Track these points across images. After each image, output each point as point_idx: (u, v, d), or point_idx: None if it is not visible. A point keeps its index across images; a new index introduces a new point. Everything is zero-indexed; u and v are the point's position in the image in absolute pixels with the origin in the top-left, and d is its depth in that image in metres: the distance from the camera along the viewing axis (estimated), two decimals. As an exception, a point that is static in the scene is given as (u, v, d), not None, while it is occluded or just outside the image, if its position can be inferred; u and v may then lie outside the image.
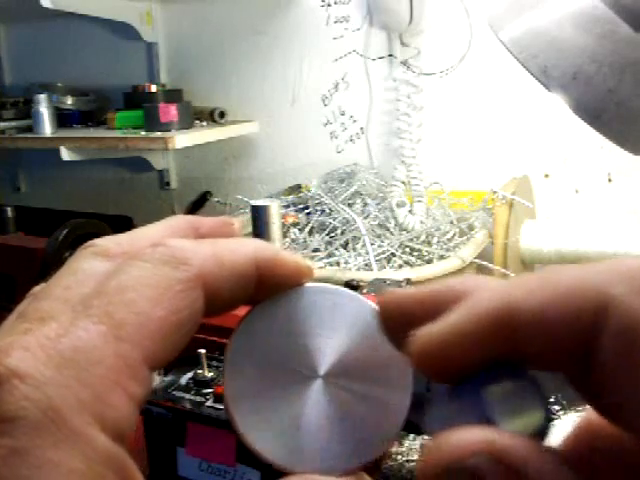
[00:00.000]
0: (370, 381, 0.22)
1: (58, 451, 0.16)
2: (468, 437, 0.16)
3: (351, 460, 0.22)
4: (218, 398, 0.59)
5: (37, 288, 0.20)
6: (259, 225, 0.47)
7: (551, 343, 0.17)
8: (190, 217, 0.23)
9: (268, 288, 0.22)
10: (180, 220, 0.23)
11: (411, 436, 0.74)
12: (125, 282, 0.18)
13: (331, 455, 0.22)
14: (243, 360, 0.22)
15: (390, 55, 1.39)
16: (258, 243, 0.22)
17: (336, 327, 0.23)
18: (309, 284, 0.23)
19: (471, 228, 1.18)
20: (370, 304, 0.23)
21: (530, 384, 0.18)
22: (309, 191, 1.35)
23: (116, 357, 0.17)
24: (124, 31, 1.67)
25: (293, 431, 0.22)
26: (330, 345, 0.23)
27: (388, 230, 1.20)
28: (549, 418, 0.18)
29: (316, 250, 1.15)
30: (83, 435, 0.16)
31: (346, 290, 0.23)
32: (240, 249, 0.21)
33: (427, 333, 0.18)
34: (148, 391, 0.18)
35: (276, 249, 0.22)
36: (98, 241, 0.21)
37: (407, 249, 1.14)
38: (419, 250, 1.13)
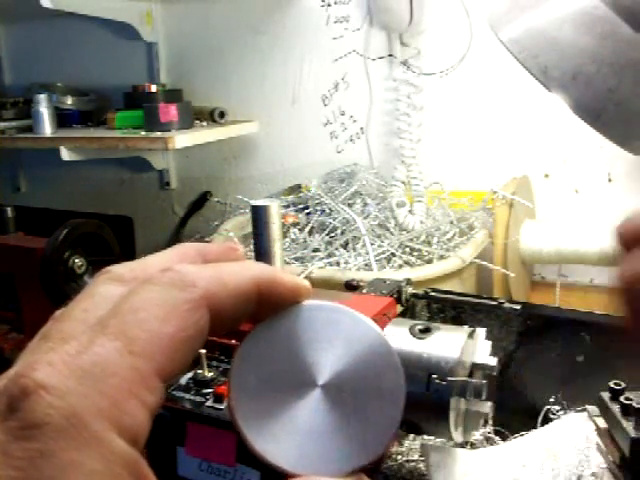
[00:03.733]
0: (365, 390, 0.24)
1: (80, 453, 0.17)
2: None
3: (350, 463, 0.23)
4: (218, 398, 0.59)
5: (58, 312, 0.22)
6: (259, 225, 0.46)
7: None
8: (197, 244, 0.26)
9: (269, 307, 0.24)
10: (188, 247, 0.25)
11: (411, 436, 0.74)
12: (137, 303, 0.20)
13: (331, 458, 0.23)
14: (247, 373, 0.24)
15: (390, 55, 1.39)
16: (258, 266, 0.24)
17: (332, 341, 0.24)
18: (307, 302, 0.25)
19: (471, 228, 1.18)
20: (363, 319, 0.25)
21: None
22: (309, 191, 1.35)
23: (130, 370, 0.19)
24: (124, 31, 1.67)
25: (295, 437, 0.23)
26: (328, 357, 0.24)
27: (388, 230, 1.20)
28: None
29: (316, 250, 1.15)
30: (102, 439, 0.18)
31: (341, 306, 0.25)
32: (242, 272, 0.23)
33: None
34: (160, 400, 0.20)
35: (275, 271, 0.24)
36: (113, 268, 0.23)
37: (407, 249, 1.14)
38: (419, 250, 1.13)
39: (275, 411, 0.23)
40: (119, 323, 0.20)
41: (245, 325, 0.25)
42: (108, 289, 0.22)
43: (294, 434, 0.23)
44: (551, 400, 0.73)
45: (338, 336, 0.24)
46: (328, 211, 1.23)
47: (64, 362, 0.19)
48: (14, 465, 0.17)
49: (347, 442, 0.23)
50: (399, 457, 0.71)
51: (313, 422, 0.24)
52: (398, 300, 0.73)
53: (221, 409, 0.58)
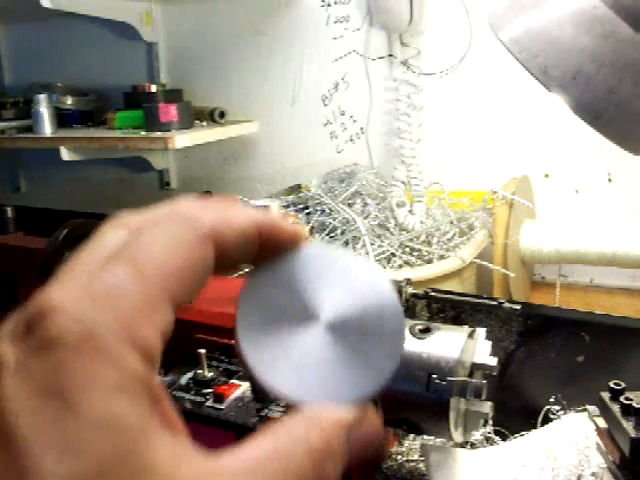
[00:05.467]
0: (367, 324, 0.25)
1: (96, 366, 0.18)
2: None
3: (353, 393, 0.24)
4: (218, 398, 0.59)
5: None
6: (259, 225, 0.47)
7: None
8: (197, 197, 0.26)
9: (269, 251, 0.25)
10: (189, 198, 0.26)
11: (411, 436, 0.74)
12: (146, 239, 0.21)
13: (336, 389, 0.24)
14: (252, 312, 0.25)
15: (390, 55, 1.39)
16: (259, 212, 0.25)
17: (333, 280, 0.25)
18: (306, 245, 0.26)
19: (471, 228, 1.18)
20: (361, 259, 0.26)
21: None
22: (309, 191, 1.35)
23: (142, 293, 0.20)
24: (124, 31, 1.67)
25: (301, 369, 0.24)
26: (329, 296, 0.25)
27: (388, 230, 1.20)
28: None
29: (316, 250, 1.15)
30: (116, 355, 0.19)
31: (340, 248, 0.26)
32: (244, 215, 0.24)
33: None
34: (171, 324, 0.21)
35: (275, 217, 0.25)
36: (120, 215, 0.24)
37: (407, 249, 1.14)
38: (419, 250, 1.13)
39: (280, 346, 0.24)
40: (131, 253, 0.21)
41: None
42: (115, 234, 0.23)
43: (299, 367, 0.24)
44: (551, 400, 0.73)
45: (338, 276, 0.25)
46: (328, 211, 1.23)
47: (78, 286, 0.19)
48: (34, 378, 0.18)
49: (351, 373, 0.24)
50: (399, 457, 0.71)
51: (317, 355, 0.24)
52: (398, 300, 0.73)
53: (221, 409, 0.58)
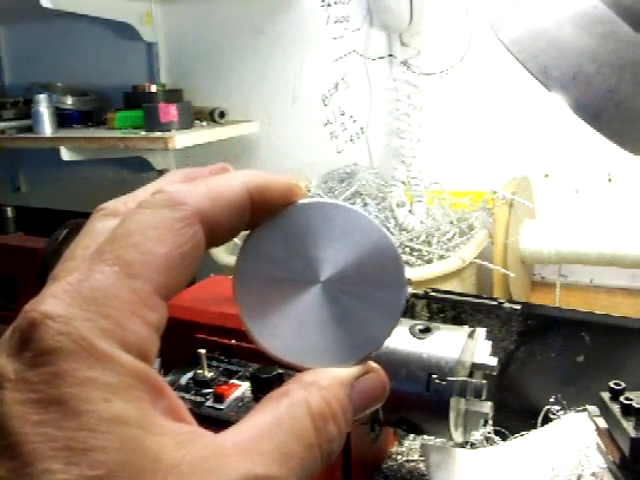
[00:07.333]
0: (366, 283, 0.24)
1: (93, 370, 0.18)
2: None
3: (354, 354, 0.24)
4: (218, 398, 0.59)
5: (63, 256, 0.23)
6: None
7: None
8: (186, 169, 0.26)
9: (264, 211, 0.24)
10: (177, 173, 0.26)
11: (411, 436, 0.74)
12: (130, 228, 0.21)
13: (337, 350, 0.24)
14: (250, 276, 0.24)
15: (390, 55, 1.39)
16: (247, 172, 0.24)
17: (331, 237, 0.24)
18: (302, 201, 0.25)
19: (471, 228, 1.18)
20: (360, 212, 0.25)
21: None
22: (309, 191, 1.35)
23: (129, 291, 0.20)
24: (124, 31, 1.67)
25: (301, 332, 0.24)
26: (328, 253, 0.24)
27: (388, 230, 1.20)
28: None
29: (316, 250, 1.15)
30: (110, 356, 0.19)
31: (336, 202, 0.25)
32: (230, 182, 0.23)
33: None
34: (164, 317, 0.21)
35: (266, 174, 0.24)
36: (107, 204, 0.24)
37: (407, 249, 1.14)
38: (419, 250, 1.13)
39: (279, 308, 0.24)
40: (115, 249, 0.20)
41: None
42: (104, 224, 0.23)
43: (299, 329, 0.24)
44: (551, 400, 0.73)
45: (337, 231, 0.24)
46: (328, 211, 1.23)
47: (66, 291, 0.19)
48: (34, 389, 0.18)
49: (352, 333, 0.24)
50: (399, 457, 0.71)
51: (317, 316, 0.24)
52: (398, 300, 0.73)
53: (221, 409, 0.58)
